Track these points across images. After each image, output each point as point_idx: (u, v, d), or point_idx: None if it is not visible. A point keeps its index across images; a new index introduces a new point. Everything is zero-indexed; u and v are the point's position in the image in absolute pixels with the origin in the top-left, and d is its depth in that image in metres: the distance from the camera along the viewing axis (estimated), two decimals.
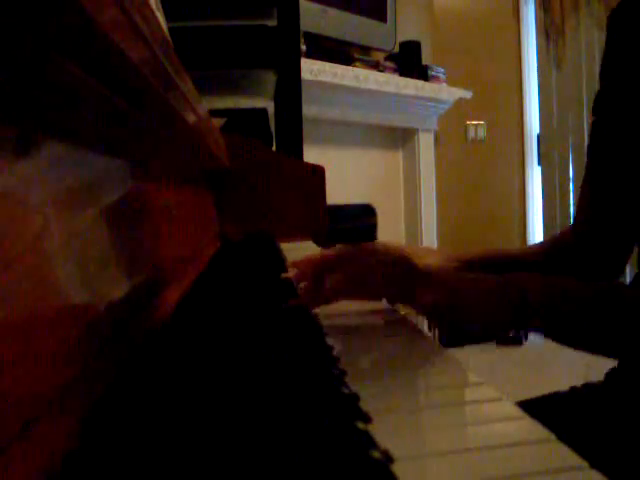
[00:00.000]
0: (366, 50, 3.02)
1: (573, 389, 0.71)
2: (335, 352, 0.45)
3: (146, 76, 0.37)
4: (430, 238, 3.32)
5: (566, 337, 0.55)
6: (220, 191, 1.30)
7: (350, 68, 2.72)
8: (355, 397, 0.34)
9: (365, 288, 0.57)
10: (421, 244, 3.17)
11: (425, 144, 3.35)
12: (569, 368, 2.89)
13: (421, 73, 3.16)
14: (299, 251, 1.13)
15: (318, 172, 1.43)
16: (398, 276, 0.55)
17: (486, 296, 0.54)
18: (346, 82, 2.66)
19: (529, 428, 0.31)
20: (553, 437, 0.29)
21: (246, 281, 0.78)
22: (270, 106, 1.66)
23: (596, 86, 0.71)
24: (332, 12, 2.72)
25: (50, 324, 0.31)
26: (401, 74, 3.06)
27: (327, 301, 0.60)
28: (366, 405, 0.33)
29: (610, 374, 0.68)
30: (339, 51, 2.76)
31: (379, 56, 3.08)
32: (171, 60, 0.44)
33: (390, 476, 0.25)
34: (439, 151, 3.50)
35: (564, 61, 3.60)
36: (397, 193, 3.34)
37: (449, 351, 0.47)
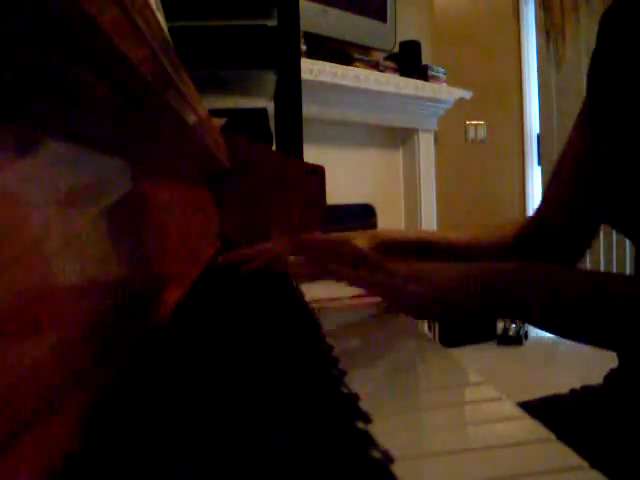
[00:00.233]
0: (366, 50, 3.01)
1: (572, 391, 0.70)
2: (335, 352, 0.45)
3: (146, 76, 0.37)
4: None
5: (542, 322, 0.55)
6: (220, 191, 1.30)
7: (350, 68, 2.72)
8: (355, 397, 0.34)
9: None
10: None
11: (425, 144, 3.35)
12: (569, 368, 2.89)
13: (421, 73, 3.16)
14: None
15: (318, 172, 1.43)
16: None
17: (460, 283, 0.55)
18: (346, 82, 2.66)
19: (529, 428, 0.31)
20: (553, 437, 0.29)
21: (246, 281, 0.78)
22: (270, 106, 1.66)
23: None
24: (332, 12, 2.72)
25: (50, 324, 0.31)
26: (401, 74, 3.06)
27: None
28: (366, 405, 0.33)
29: (609, 377, 0.68)
30: (339, 51, 2.76)
31: (379, 56, 3.08)
32: (171, 60, 0.44)
33: (390, 476, 0.25)
34: (439, 151, 3.50)
35: (564, 61, 3.61)
36: (397, 193, 3.34)
37: (449, 351, 0.47)
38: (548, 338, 3.62)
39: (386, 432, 0.30)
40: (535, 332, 3.68)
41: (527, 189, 3.79)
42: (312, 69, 2.45)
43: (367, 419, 0.31)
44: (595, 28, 0.65)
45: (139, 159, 0.58)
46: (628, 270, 3.24)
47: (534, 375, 2.84)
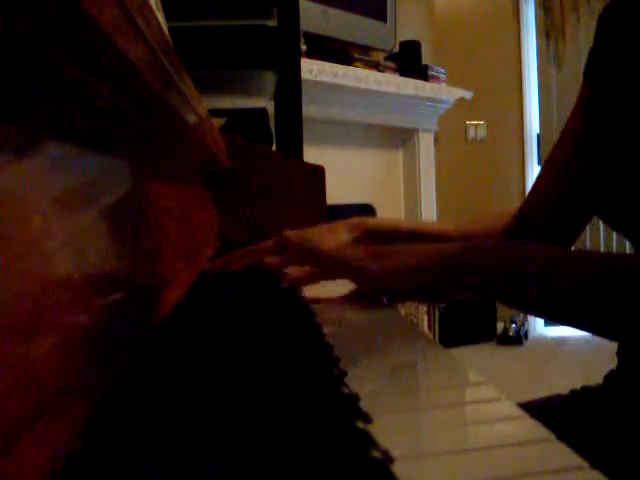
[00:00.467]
0: (366, 50, 3.02)
1: (572, 392, 0.70)
2: (335, 352, 0.45)
3: (146, 76, 0.37)
4: None
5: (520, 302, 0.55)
6: (220, 191, 1.30)
7: (350, 68, 2.72)
8: (355, 397, 0.34)
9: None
10: None
11: (425, 144, 3.35)
12: (569, 368, 2.89)
13: (421, 73, 3.16)
14: None
15: (318, 172, 1.43)
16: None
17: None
18: (346, 82, 2.66)
19: (529, 428, 0.31)
20: (553, 437, 0.29)
21: (245, 281, 0.78)
22: (270, 106, 1.66)
23: None
24: (332, 12, 2.72)
25: (50, 324, 0.31)
26: (401, 74, 3.06)
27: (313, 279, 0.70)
28: (366, 405, 0.33)
29: (609, 377, 0.68)
30: (339, 51, 2.76)
31: (379, 56, 3.08)
32: (171, 60, 0.44)
33: (390, 476, 0.25)
34: (439, 151, 3.50)
35: (564, 61, 3.61)
36: (397, 193, 3.34)
37: (449, 350, 0.47)
38: (548, 338, 3.63)
39: (386, 432, 0.30)
40: (535, 332, 3.68)
41: (527, 189, 3.79)
42: (312, 69, 2.45)
43: (367, 419, 0.31)
44: (595, 28, 0.65)
45: (139, 159, 0.58)
46: None
47: (534, 375, 2.84)
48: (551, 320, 0.54)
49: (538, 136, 3.77)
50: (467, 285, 0.55)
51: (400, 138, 3.31)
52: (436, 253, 0.56)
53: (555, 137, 0.73)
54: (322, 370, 0.40)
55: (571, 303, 0.49)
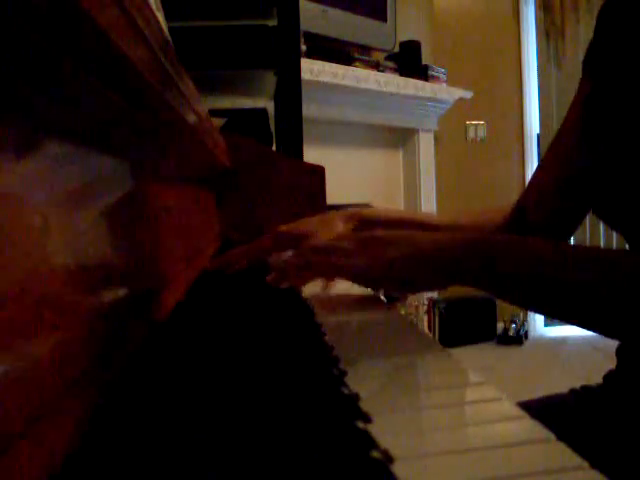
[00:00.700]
0: (366, 50, 3.02)
1: (572, 391, 0.70)
2: (335, 352, 0.45)
3: (146, 76, 0.37)
4: None
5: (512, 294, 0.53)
6: (220, 191, 1.30)
7: (350, 68, 2.72)
8: (355, 397, 0.34)
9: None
10: None
11: (425, 144, 3.35)
12: (569, 368, 2.89)
13: (421, 73, 3.16)
14: None
15: (318, 172, 1.43)
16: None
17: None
18: (346, 82, 2.66)
19: (529, 428, 0.31)
20: (553, 437, 0.29)
21: (245, 280, 0.78)
22: (270, 106, 1.66)
23: None
24: (332, 12, 2.72)
25: (50, 324, 0.31)
26: (401, 74, 3.06)
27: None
28: (366, 405, 0.33)
29: (608, 377, 0.68)
30: (339, 51, 2.76)
31: (379, 56, 3.08)
32: (171, 60, 0.44)
33: (390, 476, 0.25)
34: (439, 151, 3.50)
35: (564, 61, 3.61)
36: (397, 193, 3.34)
37: (449, 351, 0.47)
38: (548, 338, 3.63)
39: (386, 432, 0.30)
40: (535, 332, 3.68)
41: None
42: (312, 69, 2.45)
43: (367, 419, 0.31)
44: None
45: (139, 159, 0.58)
46: None
47: (534, 375, 2.84)
48: (553, 317, 0.53)
49: (538, 136, 3.77)
50: (464, 279, 0.53)
51: (400, 138, 3.31)
52: (438, 245, 0.53)
53: None
54: (322, 370, 0.40)
55: (577, 300, 0.48)
